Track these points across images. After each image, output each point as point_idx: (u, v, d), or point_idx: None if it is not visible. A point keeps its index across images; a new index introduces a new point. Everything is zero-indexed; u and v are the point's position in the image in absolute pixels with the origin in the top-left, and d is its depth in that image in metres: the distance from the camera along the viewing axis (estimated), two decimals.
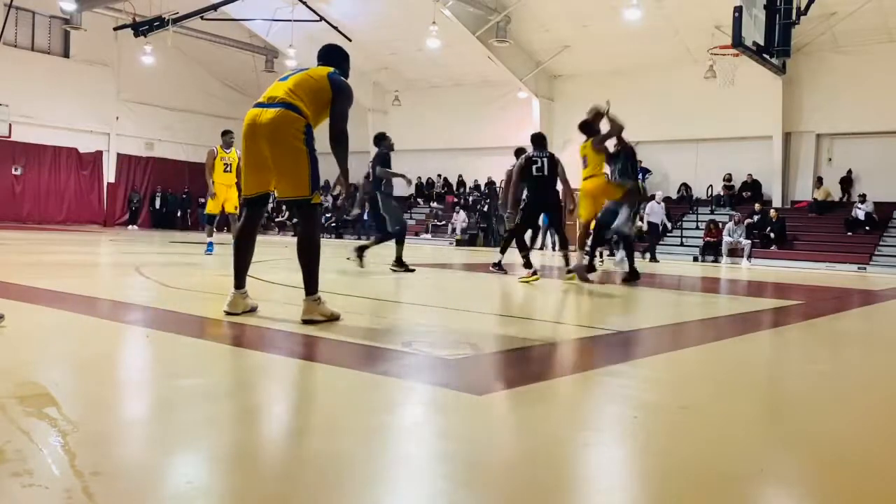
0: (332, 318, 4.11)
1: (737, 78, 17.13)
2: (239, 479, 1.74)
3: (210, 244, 10.80)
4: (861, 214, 17.42)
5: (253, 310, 4.31)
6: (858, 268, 16.00)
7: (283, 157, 3.99)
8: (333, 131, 4.13)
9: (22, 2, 22.05)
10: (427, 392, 2.75)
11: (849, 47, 18.04)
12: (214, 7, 19.63)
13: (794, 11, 11.27)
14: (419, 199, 26.16)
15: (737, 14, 10.32)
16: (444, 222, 23.86)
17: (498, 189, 24.43)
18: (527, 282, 8.00)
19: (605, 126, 9.22)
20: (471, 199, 24.39)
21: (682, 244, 18.67)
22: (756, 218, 18.21)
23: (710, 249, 18.06)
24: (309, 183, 4.04)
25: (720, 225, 18.11)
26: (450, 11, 18.99)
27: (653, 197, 17.00)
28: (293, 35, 21.53)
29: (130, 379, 2.91)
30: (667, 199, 18.86)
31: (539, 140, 9.34)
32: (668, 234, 18.87)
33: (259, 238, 4.58)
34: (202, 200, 28.11)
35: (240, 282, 4.29)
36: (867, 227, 17.25)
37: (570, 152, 22.40)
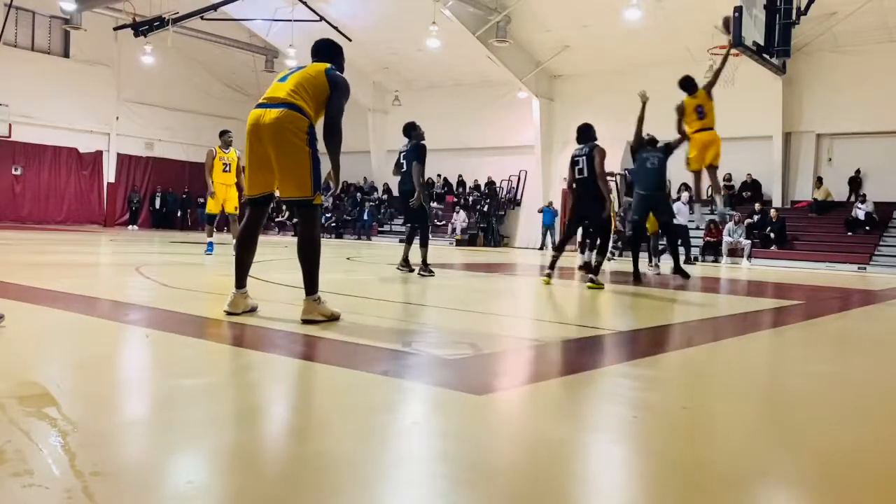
0: (332, 318, 4.12)
1: (737, 78, 17.12)
2: (239, 479, 1.74)
3: (210, 244, 10.79)
4: (861, 214, 17.42)
5: (253, 310, 4.32)
6: (858, 268, 16.00)
7: (285, 157, 4.01)
8: (329, 125, 4.14)
9: (22, 2, 22.05)
10: (427, 392, 2.75)
11: (849, 47, 18.04)
12: (214, 7, 19.63)
13: (794, 11, 11.27)
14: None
15: (737, 14, 10.32)
16: (444, 222, 23.87)
17: (497, 189, 24.45)
18: (594, 287, 7.60)
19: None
20: (471, 199, 24.39)
21: (681, 244, 18.66)
22: (756, 218, 18.21)
23: (711, 249, 18.05)
24: (311, 183, 4.07)
25: (720, 225, 18.11)
26: (450, 11, 18.99)
27: (678, 198, 17.00)
28: (293, 35, 21.53)
29: (130, 379, 2.91)
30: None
31: (582, 132, 8.47)
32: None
33: (259, 238, 4.59)
34: (202, 200, 28.13)
35: (241, 281, 4.31)
36: (867, 228, 17.25)
37: (569, 152, 22.49)
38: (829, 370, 3.75)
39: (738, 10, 10.33)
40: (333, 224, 25.99)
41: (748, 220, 18.07)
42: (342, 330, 3.94)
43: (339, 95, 4.14)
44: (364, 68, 25.36)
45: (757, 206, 18.47)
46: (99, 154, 26.75)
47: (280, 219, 26.83)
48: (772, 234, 17.78)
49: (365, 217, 25.34)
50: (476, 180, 24.91)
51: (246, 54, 26.28)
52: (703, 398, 2.89)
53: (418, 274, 8.25)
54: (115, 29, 22.38)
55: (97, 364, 3.01)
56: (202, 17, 20.42)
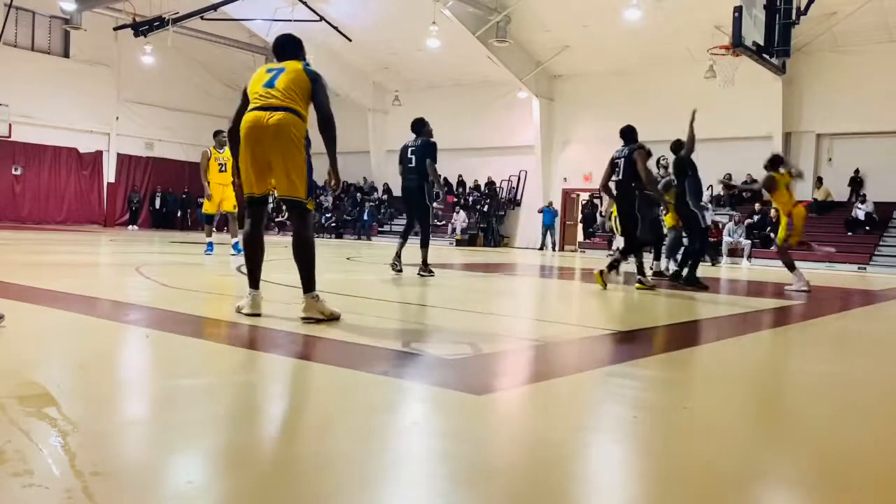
0: (332, 318, 4.13)
1: (737, 78, 17.13)
2: (239, 479, 1.74)
3: (210, 244, 10.78)
4: (861, 214, 17.41)
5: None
6: (858, 268, 16.00)
7: (287, 160, 4.10)
8: (324, 118, 4.21)
9: (22, 2, 22.04)
10: (427, 392, 2.75)
11: (849, 47, 18.04)
12: (214, 7, 19.63)
13: (794, 11, 11.27)
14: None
15: (737, 14, 10.32)
16: (444, 222, 23.87)
17: (497, 189, 24.44)
18: (642, 288, 7.68)
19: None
20: (471, 199, 24.39)
21: (681, 244, 18.65)
22: (756, 218, 18.20)
23: (710, 249, 18.04)
24: (306, 187, 4.15)
25: (720, 225, 18.10)
26: (450, 11, 18.99)
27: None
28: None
29: (130, 379, 2.91)
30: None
31: (625, 134, 8.32)
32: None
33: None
34: (201, 200, 28.10)
35: (257, 282, 4.35)
36: (867, 228, 17.25)
37: (570, 152, 22.52)
38: (829, 370, 3.75)
39: (738, 10, 10.34)
40: (333, 224, 26.00)
41: (748, 221, 18.07)
42: (342, 330, 3.94)
43: (322, 89, 4.25)
44: (364, 68, 25.35)
45: (757, 206, 18.46)
46: (99, 154, 26.75)
47: (280, 219, 26.82)
48: (772, 234, 17.77)
49: (365, 217, 25.34)
50: (476, 180, 24.92)
51: (246, 54, 26.27)
52: (703, 398, 2.89)
53: (418, 274, 8.14)
54: (115, 29, 22.37)
55: (97, 364, 3.01)
56: (202, 17, 20.41)
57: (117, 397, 2.56)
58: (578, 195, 23.66)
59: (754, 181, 11.30)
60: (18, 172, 24.83)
